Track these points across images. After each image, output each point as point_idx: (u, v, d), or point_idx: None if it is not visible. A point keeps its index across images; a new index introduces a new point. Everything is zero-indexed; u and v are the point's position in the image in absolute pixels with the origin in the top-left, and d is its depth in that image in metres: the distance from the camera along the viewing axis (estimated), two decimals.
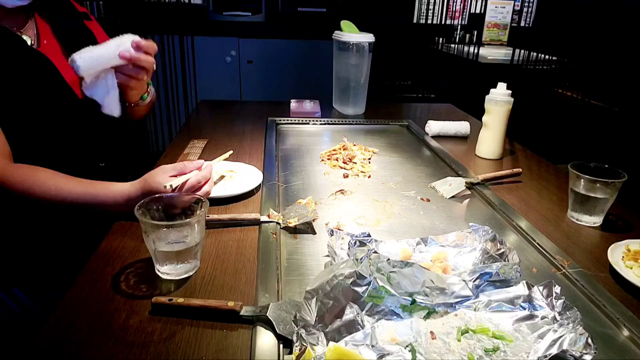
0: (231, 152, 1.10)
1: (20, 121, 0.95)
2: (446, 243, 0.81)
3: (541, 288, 0.66)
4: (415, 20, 3.78)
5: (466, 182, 1.12)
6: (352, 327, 0.61)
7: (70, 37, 1.09)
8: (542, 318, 0.64)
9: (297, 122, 1.62)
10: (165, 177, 0.86)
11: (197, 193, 0.89)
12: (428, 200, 1.06)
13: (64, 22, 1.10)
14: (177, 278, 0.73)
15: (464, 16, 3.85)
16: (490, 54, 3.48)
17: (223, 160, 1.08)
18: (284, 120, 1.62)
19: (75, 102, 1.05)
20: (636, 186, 1.05)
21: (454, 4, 3.78)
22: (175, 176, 0.88)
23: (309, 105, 1.74)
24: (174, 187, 0.84)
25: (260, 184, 1.06)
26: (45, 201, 0.88)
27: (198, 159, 1.20)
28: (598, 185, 0.92)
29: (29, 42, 0.99)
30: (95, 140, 1.11)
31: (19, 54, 0.96)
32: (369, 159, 1.30)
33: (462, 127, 1.53)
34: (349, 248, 0.73)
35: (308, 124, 1.61)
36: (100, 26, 1.21)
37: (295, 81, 3.54)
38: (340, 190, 1.08)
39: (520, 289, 0.67)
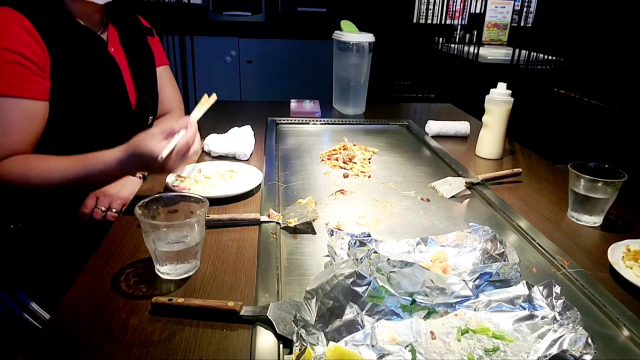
0: (215, 97, 1.01)
1: (76, 119, 0.95)
2: (446, 243, 0.81)
3: (541, 288, 0.66)
4: (415, 20, 3.78)
5: (466, 182, 1.12)
6: (352, 327, 0.61)
7: (133, 49, 1.11)
8: (542, 318, 0.64)
9: (297, 122, 1.62)
10: (155, 143, 0.83)
11: (188, 154, 0.87)
12: (428, 200, 1.06)
13: (130, 34, 1.12)
14: (177, 278, 0.73)
15: (464, 16, 3.85)
16: (490, 54, 3.48)
17: (205, 110, 1.00)
18: (284, 120, 1.62)
19: (129, 112, 1.07)
20: (636, 186, 1.05)
21: (454, 4, 3.78)
22: (165, 138, 0.84)
23: (309, 105, 1.74)
24: (164, 156, 0.81)
25: (260, 184, 1.06)
26: (45, 187, 0.88)
27: (197, 160, 1.20)
28: (598, 185, 0.92)
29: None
30: None
31: (96, 54, 0.96)
32: (369, 159, 1.30)
33: (462, 127, 1.53)
34: (349, 248, 0.72)
35: (308, 124, 1.61)
36: (161, 45, 1.22)
37: (295, 81, 3.54)
38: (340, 190, 1.08)
39: (520, 289, 0.67)
